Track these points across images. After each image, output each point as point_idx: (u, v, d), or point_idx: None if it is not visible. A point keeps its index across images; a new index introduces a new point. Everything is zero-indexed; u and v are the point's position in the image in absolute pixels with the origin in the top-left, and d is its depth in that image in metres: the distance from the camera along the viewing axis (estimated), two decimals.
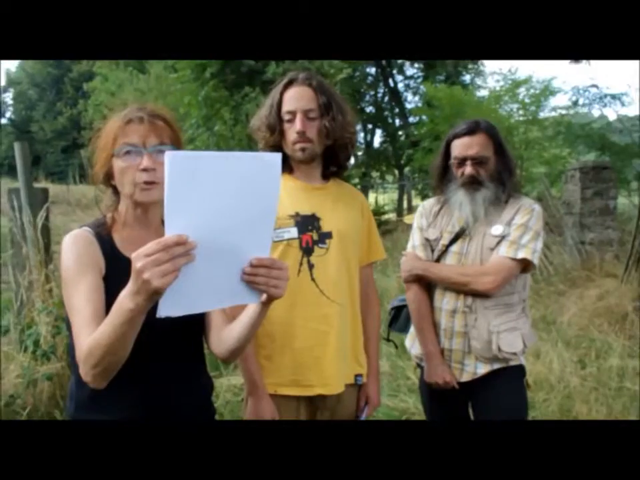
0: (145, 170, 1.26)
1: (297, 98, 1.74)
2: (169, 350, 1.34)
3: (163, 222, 1.42)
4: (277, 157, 1.05)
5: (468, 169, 2.04)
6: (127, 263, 1.22)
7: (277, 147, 1.77)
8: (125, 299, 1.00)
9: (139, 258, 0.93)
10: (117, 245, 1.34)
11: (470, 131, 2.05)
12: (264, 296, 1.12)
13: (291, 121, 1.74)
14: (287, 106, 1.75)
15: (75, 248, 1.28)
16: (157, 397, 1.32)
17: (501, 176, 2.06)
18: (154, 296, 0.95)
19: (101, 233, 1.33)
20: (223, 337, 1.33)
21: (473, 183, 2.04)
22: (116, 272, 1.26)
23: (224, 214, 1.00)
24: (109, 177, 1.34)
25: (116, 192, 1.37)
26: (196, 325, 1.38)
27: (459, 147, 2.06)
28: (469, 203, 2.05)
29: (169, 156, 0.91)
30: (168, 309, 0.98)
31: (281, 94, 1.76)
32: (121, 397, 1.27)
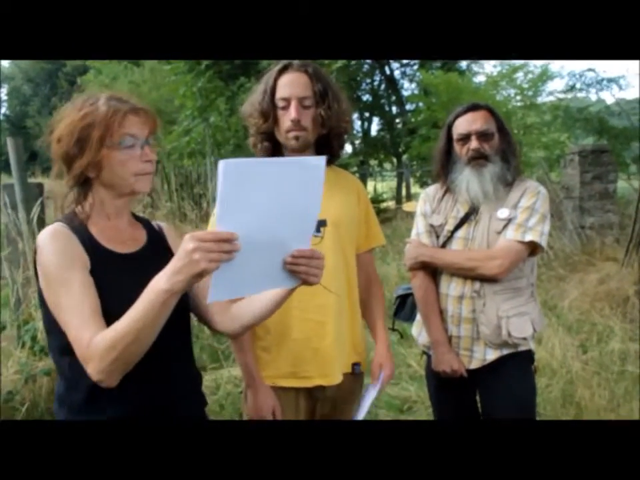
0: (148, 161, 1.28)
1: (291, 85, 1.68)
2: (161, 346, 1.31)
3: (132, 214, 1.43)
4: (322, 160, 1.12)
5: (473, 143, 2.02)
6: (109, 254, 1.29)
7: (269, 133, 1.73)
8: (160, 280, 1.05)
9: (193, 239, 1.00)
10: (97, 238, 1.30)
11: (472, 108, 2.05)
12: (300, 282, 1.20)
13: (285, 108, 1.69)
14: (281, 92, 1.69)
15: (56, 244, 1.22)
16: (153, 393, 1.29)
17: (505, 154, 2.04)
18: (195, 278, 1.02)
19: (76, 227, 1.28)
20: (234, 314, 1.38)
21: (479, 158, 2.02)
22: (101, 265, 1.25)
23: (270, 213, 1.08)
24: (92, 169, 1.27)
25: (84, 184, 1.31)
26: (183, 318, 1.37)
27: (462, 124, 2.05)
28: (476, 180, 2.02)
29: (223, 164, 0.98)
30: (217, 295, 1.07)
31: (275, 80, 1.70)
32: (119, 397, 1.23)
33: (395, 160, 20.70)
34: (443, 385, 2.13)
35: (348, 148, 19.27)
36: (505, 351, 2.02)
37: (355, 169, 14.88)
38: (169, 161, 11.46)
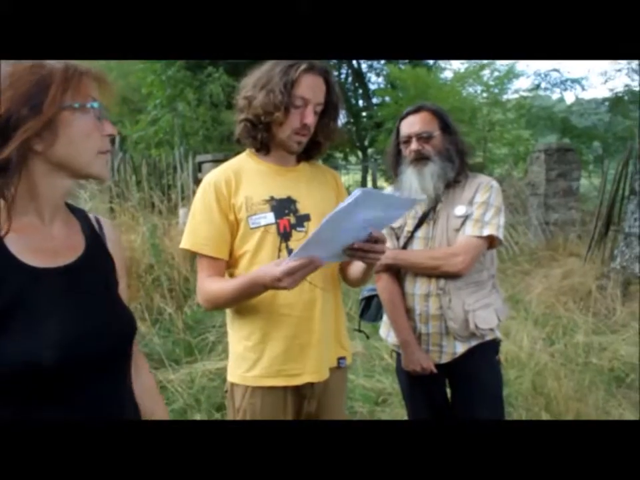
0: (109, 136, 1.04)
1: (314, 88, 1.66)
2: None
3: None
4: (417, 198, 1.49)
5: (413, 145, 2.08)
6: (29, 272, 0.96)
7: (268, 124, 1.68)
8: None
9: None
10: (12, 250, 0.95)
11: (413, 111, 2.12)
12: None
13: (299, 107, 1.65)
14: (302, 91, 1.65)
15: None
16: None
17: (449, 153, 2.09)
18: None
19: None
20: None
21: (419, 159, 2.08)
22: (18, 291, 0.93)
23: (361, 225, 1.34)
24: (43, 137, 0.95)
25: (17, 163, 0.93)
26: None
27: (404, 127, 2.12)
28: (416, 179, 2.07)
29: (361, 192, 1.17)
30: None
31: (299, 77, 1.64)
32: None
33: (360, 153, 20.77)
34: (414, 381, 2.20)
35: None
36: (473, 342, 2.09)
37: (320, 162, 14.87)
38: (136, 150, 11.24)
